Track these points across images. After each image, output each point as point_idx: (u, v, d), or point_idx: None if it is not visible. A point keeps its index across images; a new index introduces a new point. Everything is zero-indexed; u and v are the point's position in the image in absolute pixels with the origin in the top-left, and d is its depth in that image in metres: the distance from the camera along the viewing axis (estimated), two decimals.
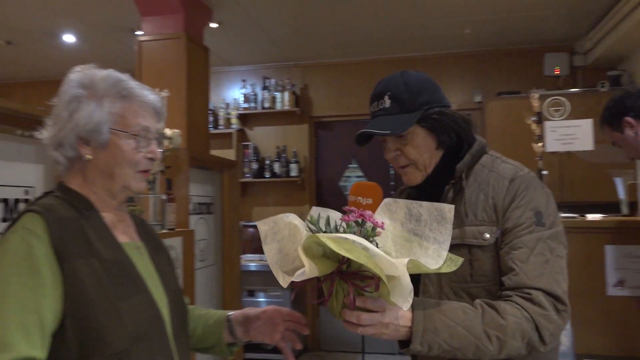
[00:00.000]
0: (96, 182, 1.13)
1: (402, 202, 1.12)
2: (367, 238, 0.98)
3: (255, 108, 5.43)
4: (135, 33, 4.43)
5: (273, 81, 5.40)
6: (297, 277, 0.95)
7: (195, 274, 2.95)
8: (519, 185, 1.21)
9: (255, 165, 5.42)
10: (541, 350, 1.11)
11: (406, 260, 0.96)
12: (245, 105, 5.45)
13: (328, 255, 0.98)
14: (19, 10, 3.99)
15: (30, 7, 3.91)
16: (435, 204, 1.11)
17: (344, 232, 0.99)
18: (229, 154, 5.34)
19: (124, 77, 1.15)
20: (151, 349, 1.05)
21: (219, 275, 3.51)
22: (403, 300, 0.96)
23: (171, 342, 1.13)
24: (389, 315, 1.04)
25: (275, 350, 4.49)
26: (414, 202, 1.12)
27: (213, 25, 4.19)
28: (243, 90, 5.47)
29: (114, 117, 1.11)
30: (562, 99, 2.98)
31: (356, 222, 1.01)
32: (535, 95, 2.96)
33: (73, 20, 4.21)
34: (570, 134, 2.89)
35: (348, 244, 0.93)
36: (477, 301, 1.13)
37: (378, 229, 1.00)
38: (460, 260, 1.07)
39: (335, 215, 1.08)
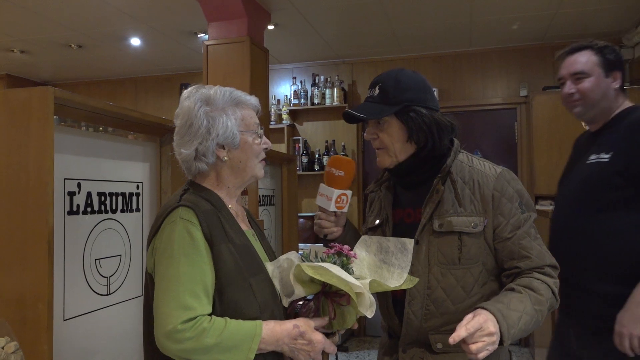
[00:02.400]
0: (230, 178, 1.37)
1: (375, 239, 1.41)
2: (344, 265, 1.25)
3: (306, 104, 5.67)
4: (198, 36, 4.72)
5: (322, 78, 5.62)
6: (293, 297, 1.26)
7: None
8: (502, 182, 1.39)
9: (305, 159, 5.66)
10: (556, 307, 1.38)
11: (368, 280, 1.23)
12: (296, 102, 5.69)
13: (314, 280, 1.25)
14: (94, 18, 4.33)
15: (103, 14, 4.23)
16: (400, 239, 1.37)
17: (324, 261, 1.26)
18: (281, 149, 5.61)
19: (230, 89, 1.39)
20: (273, 317, 1.29)
21: None
22: (366, 309, 1.22)
23: (283, 313, 1.38)
24: (489, 326, 1.17)
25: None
26: (383, 238, 1.41)
27: (270, 27, 4.44)
28: (293, 87, 5.71)
29: (239, 122, 1.35)
30: None
31: (337, 253, 1.27)
32: None
33: (141, 25, 4.53)
34: None
35: (322, 270, 1.19)
36: (518, 287, 1.32)
37: (352, 258, 1.28)
38: (416, 280, 1.32)
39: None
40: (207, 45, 3.89)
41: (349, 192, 1.48)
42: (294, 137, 5.79)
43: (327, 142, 5.67)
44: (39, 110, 1.44)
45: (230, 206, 1.38)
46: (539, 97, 4.84)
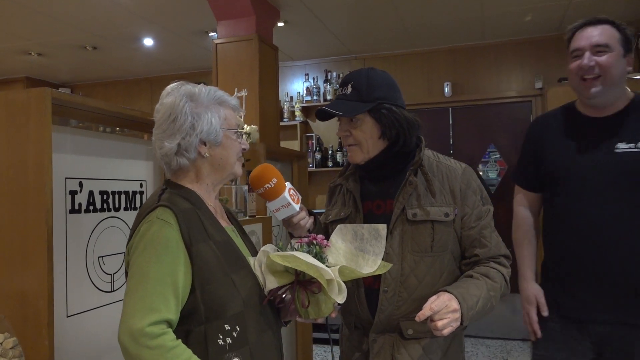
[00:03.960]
0: (210, 174, 1.38)
1: (350, 227, 1.44)
2: (317, 254, 1.27)
3: (318, 100, 5.66)
4: (209, 35, 4.76)
5: (335, 74, 5.61)
6: (267, 289, 1.30)
7: None
8: (468, 176, 1.51)
9: (318, 156, 5.67)
10: (507, 294, 1.50)
11: (338, 267, 1.25)
12: (308, 98, 5.69)
13: (288, 269, 1.28)
14: (106, 19, 4.40)
15: (115, 15, 4.30)
16: (373, 225, 1.41)
17: (297, 250, 1.27)
18: (294, 145, 5.62)
19: (214, 88, 1.41)
20: (258, 311, 1.30)
21: None
22: (337, 295, 1.24)
23: (269, 307, 1.38)
24: (453, 304, 1.31)
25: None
26: (358, 225, 1.44)
27: (280, 24, 4.44)
28: (306, 84, 5.72)
29: (222, 120, 1.36)
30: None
31: (309, 243, 1.29)
32: None
33: (153, 26, 4.58)
34: None
35: (291, 258, 1.21)
36: (476, 274, 1.44)
37: (324, 247, 1.30)
38: (389, 265, 1.35)
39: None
40: (217, 44, 3.91)
41: (287, 184, 1.48)
42: (307, 134, 5.80)
43: (340, 138, 5.64)
44: (37, 111, 1.47)
45: (209, 203, 1.38)
46: (554, 89, 4.74)
